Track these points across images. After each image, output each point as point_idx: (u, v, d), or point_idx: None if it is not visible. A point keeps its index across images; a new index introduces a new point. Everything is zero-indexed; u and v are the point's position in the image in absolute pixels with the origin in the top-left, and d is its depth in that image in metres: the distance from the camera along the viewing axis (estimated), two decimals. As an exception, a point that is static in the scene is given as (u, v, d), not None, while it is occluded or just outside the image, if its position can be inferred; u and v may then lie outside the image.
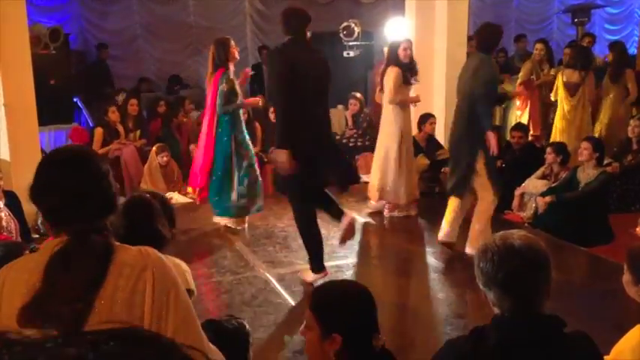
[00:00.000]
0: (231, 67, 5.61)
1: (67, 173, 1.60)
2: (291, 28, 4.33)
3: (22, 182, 5.63)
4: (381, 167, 6.20)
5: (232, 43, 5.65)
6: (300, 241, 4.68)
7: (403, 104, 6.15)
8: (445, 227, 5.12)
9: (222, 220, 5.97)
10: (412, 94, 6.44)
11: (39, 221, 5.62)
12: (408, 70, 6.04)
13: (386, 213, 6.33)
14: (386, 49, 6.35)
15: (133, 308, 1.52)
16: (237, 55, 5.69)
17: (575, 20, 10.97)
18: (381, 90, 6.22)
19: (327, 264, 4.95)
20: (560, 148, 6.37)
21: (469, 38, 7.60)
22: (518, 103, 8.23)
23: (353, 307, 2.01)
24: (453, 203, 5.13)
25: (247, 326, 2.56)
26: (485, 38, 5.05)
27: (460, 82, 5.08)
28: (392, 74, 5.98)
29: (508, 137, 7.25)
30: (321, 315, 1.98)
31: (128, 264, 1.56)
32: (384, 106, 6.25)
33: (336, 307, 2.00)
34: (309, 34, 4.42)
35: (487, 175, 4.96)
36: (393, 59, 6.03)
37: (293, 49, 4.29)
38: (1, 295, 1.54)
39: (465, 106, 4.96)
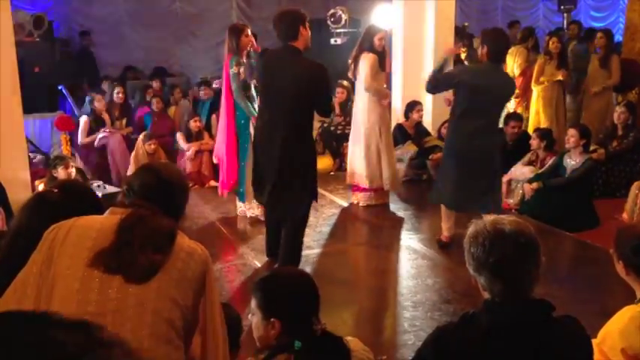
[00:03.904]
0: (244, 53, 5.42)
1: (173, 182, 1.96)
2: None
3: (6, 171, 5.62)
4: (367, 157, 6.11)
5: (247, 31, 5.43)
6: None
7: (379, 94, 6.02)
8: (449, 227, 5.03)
9: (248, 210, 5.76)
10: (398, 84, 6.41)
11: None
12: (382, 58, 5.97)
13: (362, 202, 6.27)
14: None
15: (183, 281, 1.73)
16: (248, 45, 5.43)
17: (561, 7, 11.02)
18: (354, 76, 6.07)
19: (313, 251, 5.00)
20: (544, 133, 6.46)
21: (457, 30, 7.62)
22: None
23: (290, 294, 2.12)
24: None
25: (238, 313, 2.57)
26: (499, 46, 4.73)
27: (488, 98, 4.64)
28: (368, 60, 5.83)
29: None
30: (261, 301, 2.10)
31: (188, 245, 1.81)
32: (357, 93, 6.14)
33: (274, 294, 2.12)
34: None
35: None
36: (367, 46, 5.89)
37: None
38: (65, 238, 1.72)
39: (493, 120, 4.76)
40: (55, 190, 2.14)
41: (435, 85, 4.92)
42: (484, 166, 4.75)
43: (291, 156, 4.24)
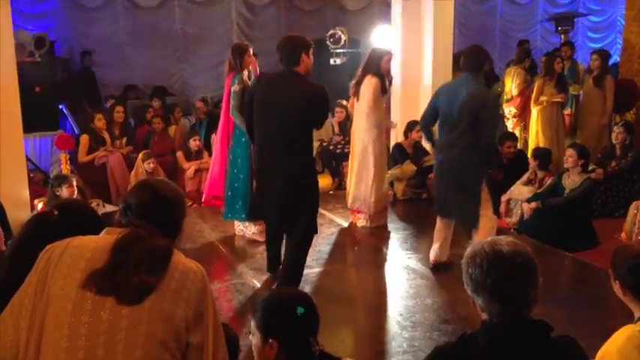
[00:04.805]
0: (245, 72, 5.49)
1: (170, 197, 1.94)
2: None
3: (6, 190, 5.64)
4: (355, 176, 6.14)
5: (250, 51, 5.52)
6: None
7: (379, 123, 6.05)
8: (435, 248, 5.03)
9: (247, 230, 5.78)
10: (397, 104, 6.42)
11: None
12: (386, 81, 6.01)
13: (360, 223, 6.27)
14: None
15: (178, 301, 1.72)
16: (250, 65, 5.54)
17: (559, 28, 11.10)
18: (357, 99, 6.07)
19: (312, 270, 4.99)
20: (537, 153, 6.51)
21: (455, 57, 7.68)
22: (513, 110, 8.25)
23: (287, 314, 2.11)
24: (440, 224, 5.04)
25: (235, 333, 2.56)
26: (471, 57, 4.82)
27: (452, 107, 4.70)
28: (372, 84, 5.84)
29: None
30: (260, 321, 2.12)
31: (184, 264, 1.80)
32: (356, 115, 6.14)
33: (273, 315, 2.12)
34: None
35: (486, 194, 4.91)
36: (374, 68, 5.91)
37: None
38: (60, 259, 1.73)
39: (467, 132, 4.65)
40: (55, 212, 2.15)
41: (422, 119, 5.17)
42: (458, 179, 4.78)
43: (292, 176, 4.24)
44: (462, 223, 4.97)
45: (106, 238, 1.79)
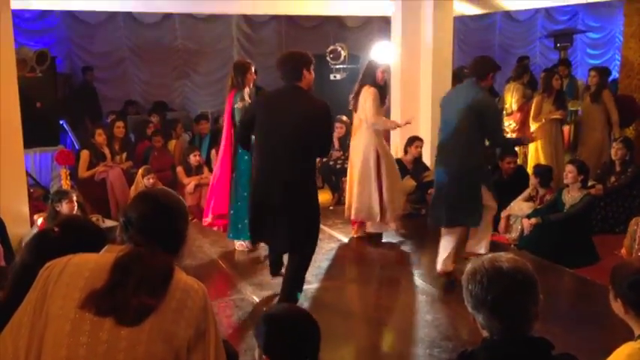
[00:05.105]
0: (247, 90, 5.51)
1: (172, 207, 1.90)
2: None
3: (6, 205, 5.63)
4: (357, 186, 6.12)
5: (252, 69, 5.57)
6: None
7: (386, 126, 6.11)
8: (442, 257, 5.01)
9: (245, 243, 5.81)
10: (398, 117, 6.42)
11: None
12: (383, 92, 6.04)
13: (361, 233, 6.28)
14: None
15: (178, 321, 1.69)
16: (252, 82, 5.60)
17: (558, 45, 11.17)
18: (355, 110, 6.09)
19: (313, 285, 4.98)
20: (538, 170, 6.51)
21: (455, 73, 7.72)
22: (512, 124, 8.27)
23: (281, 333, 2.10)
24: (446, 233, 5.02)
25: (235, 350, 2.55)
26: (476, 64, 4.92)
27: (451, 113, 4.80)
28: (370, 94, 5.85)
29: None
30: (259, 338, 2.12)
31: (185, 282, 1.76)
32: (356, 125, 6.16)
33: (267, 332, 2.12)
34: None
35: (488, 191, 4.94)
36: (370, 79, 5.92)
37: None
38: (59, 278, 1.70)
39: (462, 137, 4.70)
40: (56, 229, 2.14)
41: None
42: (458, 186, 4.81)
43: (293, 193, 4.21)
44: (467, 222, 5.00)
45: (106, 256, 1.76)
